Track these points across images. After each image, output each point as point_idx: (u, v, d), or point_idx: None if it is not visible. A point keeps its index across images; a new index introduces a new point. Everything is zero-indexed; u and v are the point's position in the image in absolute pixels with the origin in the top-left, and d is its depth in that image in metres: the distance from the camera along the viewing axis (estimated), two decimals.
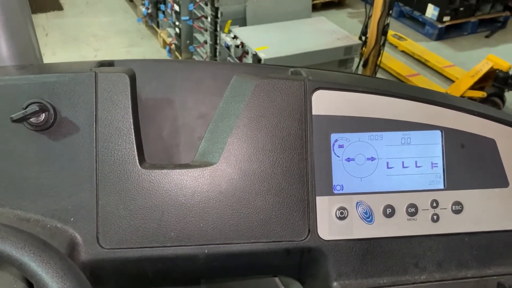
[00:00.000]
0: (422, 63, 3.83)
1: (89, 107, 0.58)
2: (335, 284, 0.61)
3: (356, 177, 0.62)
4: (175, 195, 0.59)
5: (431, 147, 0.64)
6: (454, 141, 0.64)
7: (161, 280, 0.64)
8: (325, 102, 0.62)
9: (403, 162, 0.63)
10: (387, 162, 0.63)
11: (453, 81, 3.44)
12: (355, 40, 2.95)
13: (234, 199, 0.59)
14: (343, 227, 0.61)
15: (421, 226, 0.63)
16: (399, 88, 0.66)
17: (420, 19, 4.27)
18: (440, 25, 4.11)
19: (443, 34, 4.17)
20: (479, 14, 4.21)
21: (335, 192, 0.62)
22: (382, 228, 0.62)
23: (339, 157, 0.62)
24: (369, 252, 0.62)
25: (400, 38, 4.08)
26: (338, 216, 0.61)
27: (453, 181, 0.64)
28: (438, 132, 0.64)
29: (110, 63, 0.66)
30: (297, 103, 0.61)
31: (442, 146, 0.64)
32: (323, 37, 2.90)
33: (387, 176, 0.63)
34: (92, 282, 0.58)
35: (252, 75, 0.63)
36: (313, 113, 0.62)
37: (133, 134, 0.59)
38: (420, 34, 4.27)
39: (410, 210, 0.62)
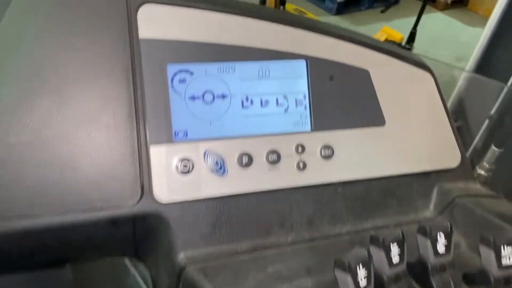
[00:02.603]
0: None
1: None
2: (180, 256, 0.48)
3: (203, 119, 0.49)
4: None
5: (295, 81, 0.52)
6: (321, 72, 0.53)
7: None
8: (158, 22, 0.47)
9: (261, 99, 0.51)
10: (242, 101, 0.51)
11: None
12: None
13: (33, 154, 0.43)
14: (187, 183, 0.48)
15: (285, 177, 0.51)
16: (259, 10, 0.53)
17: None
18: (339, 0, 4.19)
19: (342, 9, 4.26)
20: None
21: (176, 139, 0.48)
22: (237, 182, 0.49)
23: (180, 95, 0.48)
24: (222, 213, 0.49)
25: (301, 12, 4.07)
26: (180, 170, 0.47)
27: (321, 121, 0.53)
28: (303, 62, 0.53)
29: None
30: (118, 22, 0.46)
31: (308, 79, 0.53)
32: None
33: (242, 118, 0.50)
34: None
35: None
36: (140, 36, 0.47)
37: None
38: (320, 9, 4.31)
39: (271, 157, 0.51)
